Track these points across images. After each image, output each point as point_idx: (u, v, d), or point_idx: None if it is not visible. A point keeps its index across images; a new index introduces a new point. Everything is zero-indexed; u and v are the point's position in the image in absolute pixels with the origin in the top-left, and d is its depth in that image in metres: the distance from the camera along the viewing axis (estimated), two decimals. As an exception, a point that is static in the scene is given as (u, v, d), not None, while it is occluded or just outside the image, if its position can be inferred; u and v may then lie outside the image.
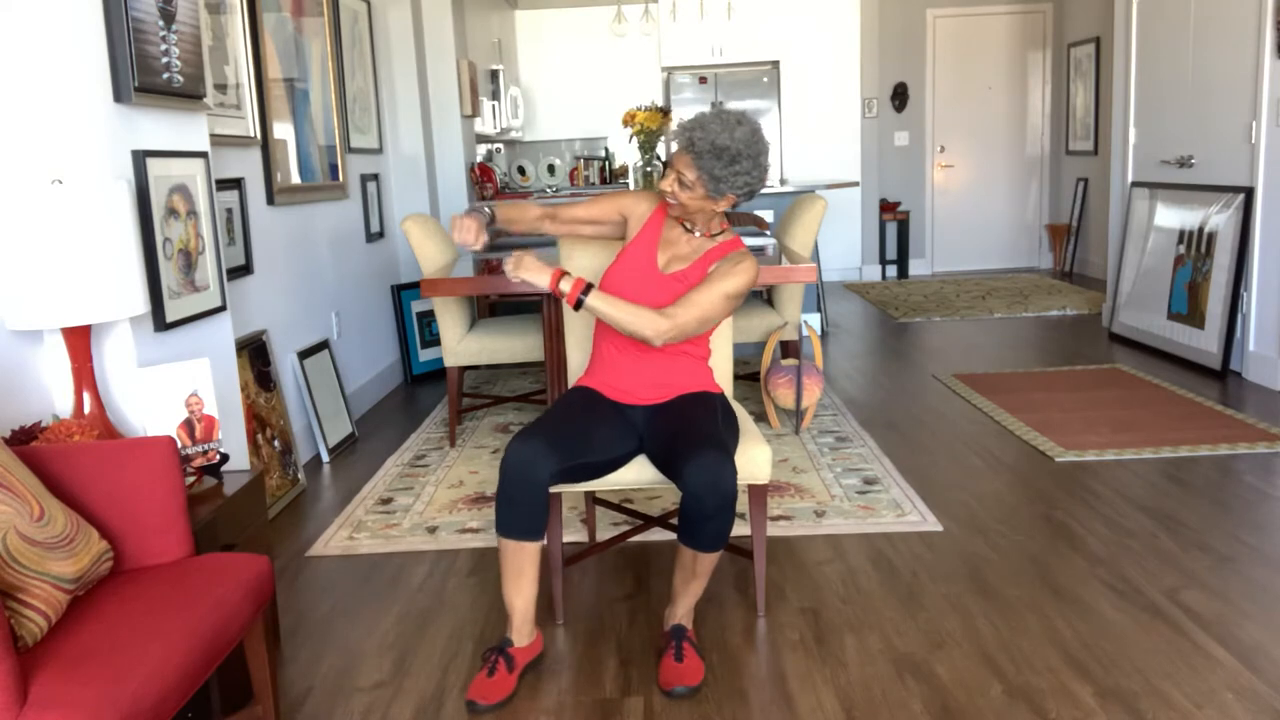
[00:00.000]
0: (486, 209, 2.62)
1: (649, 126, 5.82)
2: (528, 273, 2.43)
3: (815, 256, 5.85)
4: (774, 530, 3.29)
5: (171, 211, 2.70)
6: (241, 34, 3.87)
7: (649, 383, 2.59)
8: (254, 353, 3.85)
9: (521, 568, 2.43)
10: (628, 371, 2.60)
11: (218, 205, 3.32)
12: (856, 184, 7.66)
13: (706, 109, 2.61)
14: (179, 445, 2.45)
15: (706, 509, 2.30)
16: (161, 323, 2.64)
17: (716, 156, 2.41)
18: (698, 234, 2.62)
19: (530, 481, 2.32)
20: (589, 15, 9.08)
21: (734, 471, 2.31)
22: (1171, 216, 5.67)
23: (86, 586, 1.87)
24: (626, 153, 8.88)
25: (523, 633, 2.46)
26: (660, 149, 8.56)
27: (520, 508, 2.35)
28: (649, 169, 6.27)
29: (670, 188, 2.52)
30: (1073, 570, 2.91)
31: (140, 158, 2.56)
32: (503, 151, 7.98)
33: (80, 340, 2.29)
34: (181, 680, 1.70)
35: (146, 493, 2.04)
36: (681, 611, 2.53)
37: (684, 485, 2.31)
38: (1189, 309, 5.40)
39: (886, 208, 9.43)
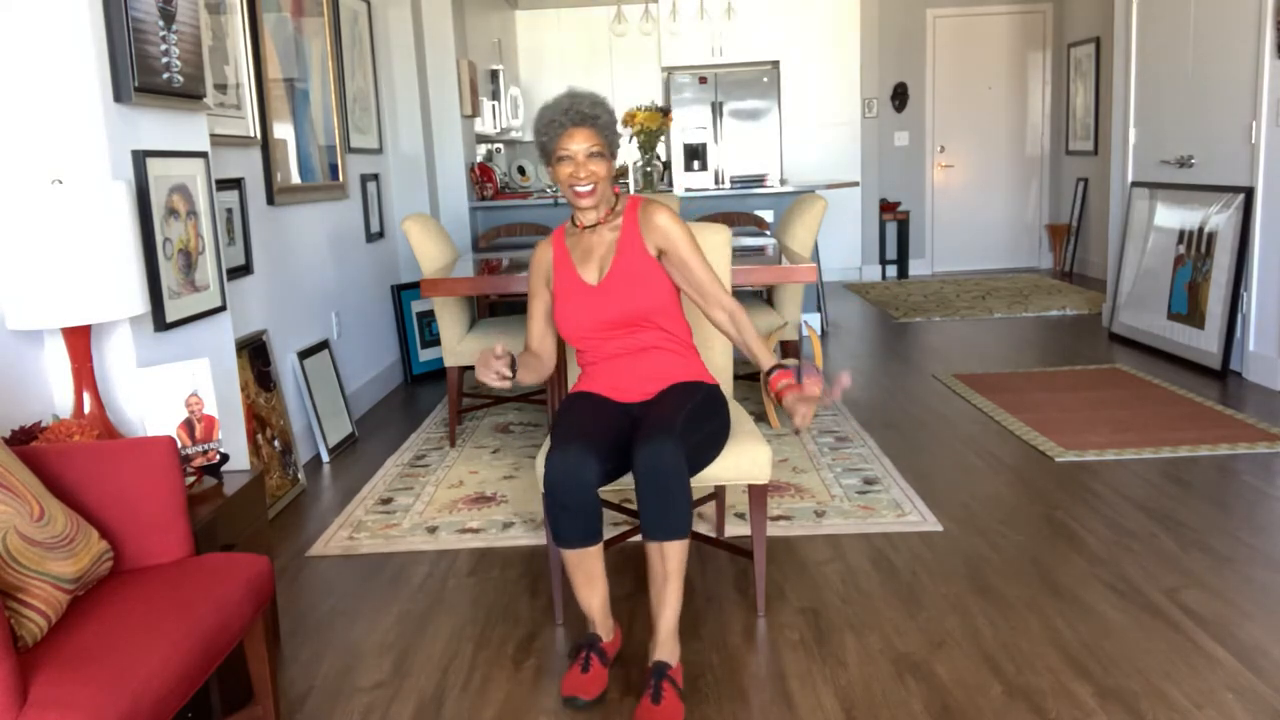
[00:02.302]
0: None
1: (649, 126, 5.82)
2: None
3: (815, 256, 5.85)
4: (774, 530, 3.29)
5: (171, 211, 2.70)
6: (241, 34, 3.87)
7: (643, 378, 2.59)
8: (254, 353, 3.85)
9: (590, 573, 2.43)
10: (625, 371, 2.60)
11: (218, 205, 3.32)
12: (856, 184, 7.67)
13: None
14: (179, 445, 2.45)
15: (650, 489, 2.27)
16: (161, 323, 2.64)
17: (608, 114, 2.57)
18: (602, 221, 2.60)
19: (579, 486, 2.29)
20: (589, 15, 9.07)
21: (675, 451, 2.26)
22: (1171, 216, 5.66)
23: (86, 586, 1.87)
24: (626, 152, 8.86)
25: (606, 627, 2.48)
26: (660, 149, 8.54)
27: (574, 514, 2.33)
28: (649, 169, 6.27)
29: (582, 172, 2.49)
30: (1073, 570, 2.91)
31: (140, 158, 2.55)
32: (503, 151, 7.98)
33: (80, 340, 2.29)
34: (181, 680, 1.70)
35: (146, 493, 2.04)
36: (664, 636, 2.35)
37: (633, 469, 2.30)
38: (1189, 309, 5.40)
39: (886, 208, 9.43)
